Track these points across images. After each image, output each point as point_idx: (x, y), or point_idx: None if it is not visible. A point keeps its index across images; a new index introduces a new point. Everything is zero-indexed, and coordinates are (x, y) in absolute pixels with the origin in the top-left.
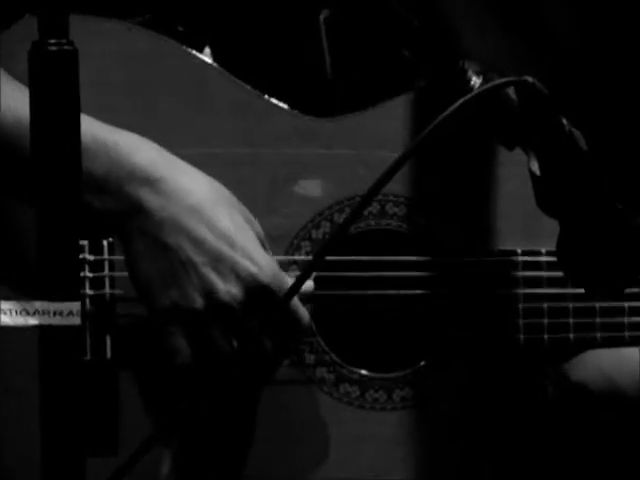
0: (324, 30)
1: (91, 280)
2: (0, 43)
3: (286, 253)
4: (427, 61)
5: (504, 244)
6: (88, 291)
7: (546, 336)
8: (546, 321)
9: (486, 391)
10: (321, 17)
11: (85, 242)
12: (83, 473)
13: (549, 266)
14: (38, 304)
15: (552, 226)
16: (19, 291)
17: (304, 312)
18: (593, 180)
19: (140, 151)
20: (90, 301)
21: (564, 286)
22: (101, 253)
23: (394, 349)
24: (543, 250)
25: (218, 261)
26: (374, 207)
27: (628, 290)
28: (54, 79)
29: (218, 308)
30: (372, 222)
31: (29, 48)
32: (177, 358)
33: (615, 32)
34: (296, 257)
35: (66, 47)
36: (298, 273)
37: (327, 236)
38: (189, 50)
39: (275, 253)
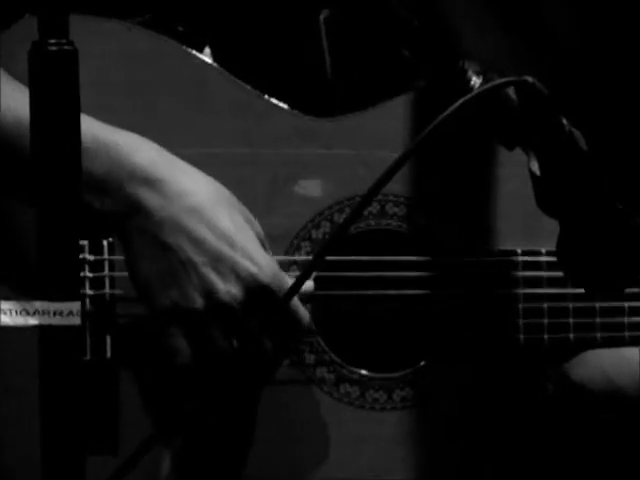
0: (324, 30)
1: (91, 280)
2: (0, 43)
3: (286, 253)
4: (427, 61)
5: (504, 244)
6: (88, 291)
7: (546, 336)
8: (546, 321)
9: (486, 391)
10: (321, 17)
11: (85, 242)
12: (83, 472)
13: (549, 266)
14: (38, 304)
15: (552, 226)
16: (19, 291)
17: (304, 312)
18: (593, 180)
19: (140, 151)
20: (90, 301)
21: (564, 286)
22: (101, 253)
23: (394, 349)
24: (543, 250)
25: (218, 261)
26: (374, 207)
27: (628, 290)
28: (54, 79)
29: (218, 308)
30: (372, 222)
31: (29, 48)
32: (177, 358)
33: (615, 32)
34: (296, 257)
35: (66, 47)
36: (298, 273)
37: (327, 236)
38: (189, 50)
39: (275, 253)
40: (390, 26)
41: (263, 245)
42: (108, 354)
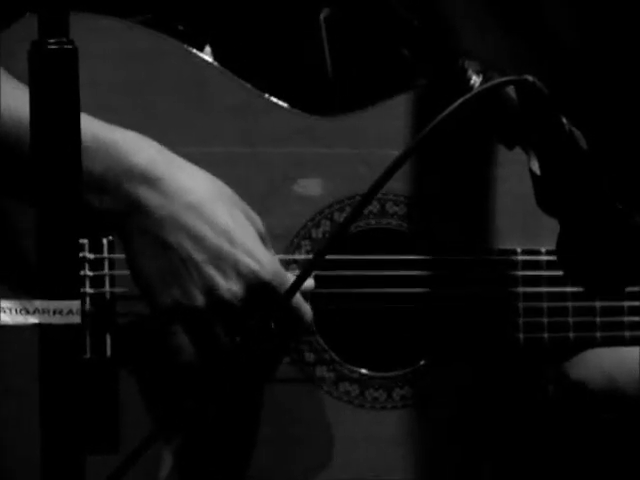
0: (324, 29)
1: (91, 279)
2: (0, 42)
3: (286, 252)
4: (427, 60)
5: (504, 243)
6: (88, 290)
7: (546, 335)
8: (546, 320)
9: (486, 390)
10: (321, 16)
11: (85, 240)
12: (83, 471)
13: (549, 265)
14: (38, 303)
15: (551, 225)
16: (19, 290)
17: (307, 309)
18: (593, 180)
19: (139, 150)
20: (90, 300)
21: (564, 285)
22: (101, 251)
23: (394, 348)
24: (543, 249)
25: (219, 258)
26: (374, 206)
27: (628, 289)
28: (54, 78)
29: (219, 305)
30: (372, 221)
31: (29, 47)
32: (180, 356)
33: (615, 32)
34: (296, 256)
35: (66, 46)
36: (298, 272)
37: (327, 235)
38: (189, 49)
39: (275, 252)
40: (390, 25)
41: (264, 241)
42: (108, 353)
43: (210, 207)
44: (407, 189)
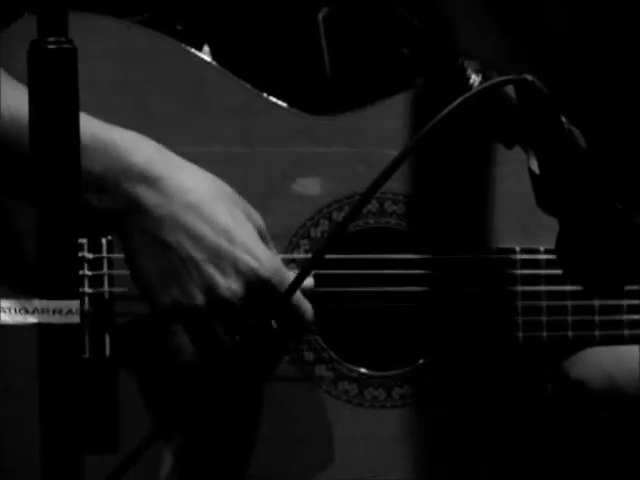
0: (323, 29)
1: (90, 278)
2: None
3: (285, 251)
4: (426, 60)
5: (502, 242)
6: (87, 289)
7: (545, 334)
8: (545, 319)
9: (485, 389)
10: (320, 16)
11: (84, 240)
12: (82, 471)
13: (547, 264)
14: (37, 302)
15: (550, 224)
16: (19, 290)
17: (307, 307)
18: (592, 179)
19: (138, 149)
20: (89, 299)
21: (563, 284)
22: (100, 251)
23: (393, 347)
24: (541, 248)
25: (218, 257)
26: (373, 205)
27: (627, 288)
28: (53, 77)
29: (219, 304)
30: (371, 220)
31: (28, 47)
32: (180, 356)
33: (615, 32)
34: (295, 255)
35: (65, 45)
36: (297, 271)
37: (326, 234)
38: (188, 49)
39: None
40: (389, 25)
41: (265, 239)
42: (107, 353)
43: (209, 206)
44: (406, 188)
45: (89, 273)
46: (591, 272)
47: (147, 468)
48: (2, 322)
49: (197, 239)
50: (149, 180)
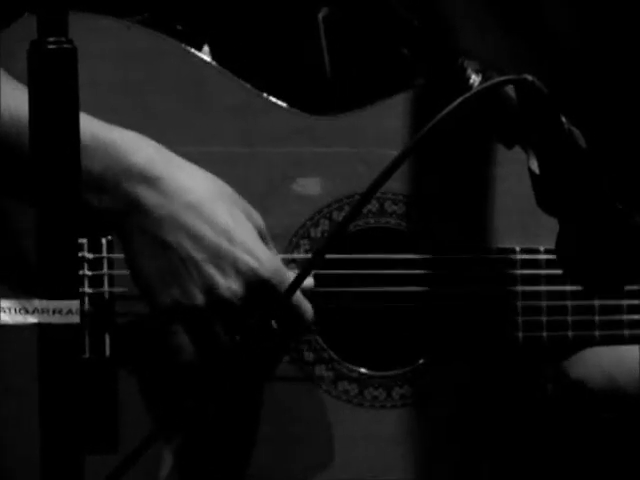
0: (323, 29)
1: (90, 278)
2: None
3: (285, 251)
4: (426, 60)
5: (502, 242)
6: (87, 289)
7: (545, 334)
8: (545, 319)
9: (485, 389)
10: (320, 16)
11: (84, 240)
12: (82, 471)
13: (547, 264)
14: (37, 302)
15: (550, 224)
16: (18, 290)
17: (307, 307)
18: (592, 179)
19: (138, 149)
20: (89, 299)
21: (563, 284)
22: (100, 251)
23: (393, 347)
24: (541, 248)
25: (218, 257)
26: (373, 205)
27: (627, 288)
28: (53, 77)
29: (219, 304)
30: (371, 220)
31: (28, 47)
32: (180, 356)
33: (615, 32)
34: (295, 255)
35: (65, 45)
36: (297, 271)
37: (326, 234)
38: (188, 49)
39: None
40: (389, 25)
41: (265, 238)
42: (107, 352)
43: (209, 206)
44: (406, 188)
45: (89, 273)
46: (591, 272)
47: (147, 468)
48: (2, 322)
49: (197, 239)
50: (149, 180)
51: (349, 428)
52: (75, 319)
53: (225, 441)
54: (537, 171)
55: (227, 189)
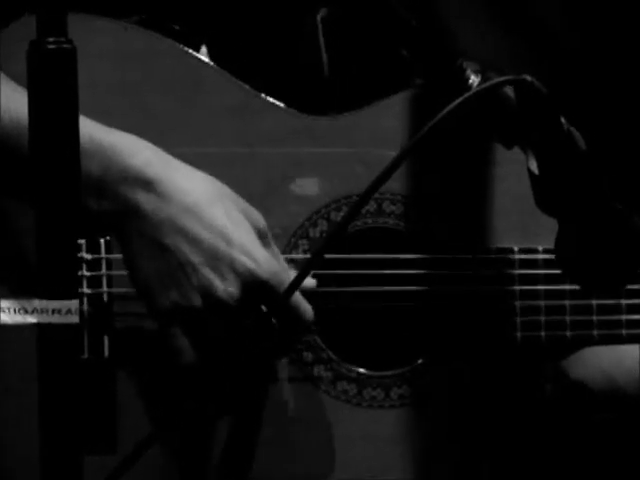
0: (321, 29)
1: (88, 279)
2: None
3: (284, 252)
4: (425, 60)
5: (501, 242)
6: (86, 290)
7: (543, 333)
8: (543, 318)
9: (484, 389)
10: (318, 16)
11: (82, 241)
12: (81, 471)
13: (546, 263)
14: (37, 302)
15: (549, 224)
16: (18, 290)
17: (306, 308)
18: (591, 179)
19: (136, 152)
20: (88, 300)
21: (561, 283)
22: (98, 252)
23: (392, 347)
24: (540, 248)
25: (216, 259)
26: (371, 205)
27: (625, 287)
28: (53, 77)
29: (217, 306)
30: (369, 220)
31: (28, 47)
32: (180, 358)
33: (614, 32)
34: (294, 255)
35: (64, 45)
36: (296, 272)
37: (325, 234)
38: (185, 49)
39: None
40: (388, 25)
41: (265, 238)
42: (106, 353)
43: (207, 208)
44: (404, 188)
45: (87, 274)
46: (590, 272)
47: (147, 468)
48: (2, 322)
49: (195, 242)
50: (147, 183)
51: (348, 428)
52: (74, 319)
53: (226, 442)
54: (536, 171)
55: (226, 190)
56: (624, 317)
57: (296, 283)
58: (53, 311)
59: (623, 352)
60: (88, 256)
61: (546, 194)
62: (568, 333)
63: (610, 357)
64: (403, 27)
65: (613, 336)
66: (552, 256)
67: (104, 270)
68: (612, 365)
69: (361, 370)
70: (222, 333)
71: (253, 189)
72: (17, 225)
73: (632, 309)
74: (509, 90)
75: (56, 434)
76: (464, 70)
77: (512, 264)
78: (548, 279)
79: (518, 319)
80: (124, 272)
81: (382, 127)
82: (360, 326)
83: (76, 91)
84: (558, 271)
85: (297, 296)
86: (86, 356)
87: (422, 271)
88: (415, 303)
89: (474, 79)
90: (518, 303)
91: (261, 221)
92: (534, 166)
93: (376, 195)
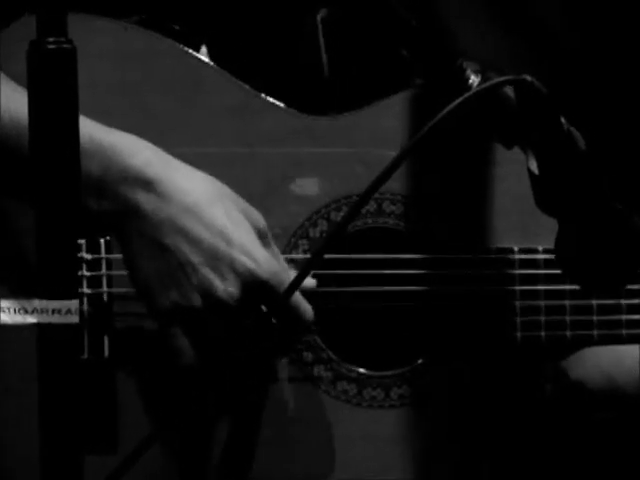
0: (321, 29)
1: (88, 279)
2: None
3: (284, 252)
4: (425, 60)
5: (501, 242)
6: (85, 290)
7: (543, 333)
8: (543, 318)
9: (484, 389)
10: (318, 17)
11: (82, 241)
12: (81, 471)
13: (546, 263)
14: (37, 302)
15: (549, 224)
16: (18, 290)
17: (306, 308)
18: (591, 179)
19: (136, 152)
20: (88, 300)
21: (561, 283)
22: (98, 252)
23: (392, 347)
24: (540, 248)
25: (215, 259)
26: (371, 205)
27: (625, 287)
28: (53, 77)
29: (217, 306)
30: (369, 220)
31: (28, 47)
32: (180, 358)
33: (614, 32)
34: (294, 255)
35: (65, 45)
36: (296, 272)
37: (325, 234)
38: (185, 49)
39: None
40: (388, 25)
41: (265, 238)
42: (106, 353)
43: (207, 208)
44: (404, 188)
45: (87, 274)
46: (590, 272)
47: (147, 468)
48: (2, 322)
49: (195, 242)
50: (147, 183)
51: (348, 428)
52: (74, 319)
53: (226, 442)
54: (536, 171)
55: (226, 190)
56: (624, 317)
57: (296, 283)
58: (53, 311)
59: (623, 352)
60: (88, 256)
61: (546, 194)
62: (568, 333)
63: (610, 357)
64: (403, 27)
65: (613, 336)
66: (552, 256)
67: (104, 270)
68: (612, 365)
69: (361, 370)
70: (222, 333)
71: (253, 189)
72: (17, 225)
73: (632, 309)
74: (509, 90)
75: (56, 434)
76: (464, 70)
77: (512, 264)
78: (548, 279)
79: (518, 319)
80: (124, 272)
81: (382, 127)
82: (360, 326)
83: (76, 91)
84: (558, 271)
85: (297, 296)
86: (86, 356)
87: (422, 271)
88: (415, 303)
89: (474, 79)
90: (518, 303)
91: (261, 221)
92: (534, 166)
93: (376, 195)
